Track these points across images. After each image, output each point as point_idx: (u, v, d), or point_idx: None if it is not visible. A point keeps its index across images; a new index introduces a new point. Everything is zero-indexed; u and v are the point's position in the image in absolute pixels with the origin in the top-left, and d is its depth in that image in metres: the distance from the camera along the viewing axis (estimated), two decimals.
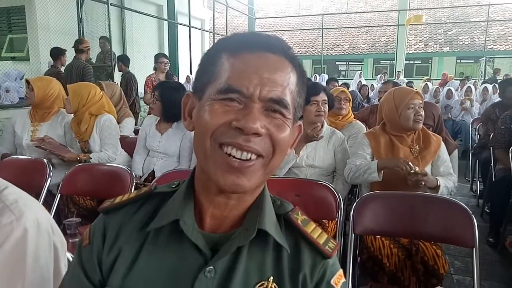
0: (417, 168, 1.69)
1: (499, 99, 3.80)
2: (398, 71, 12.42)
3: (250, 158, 0.51)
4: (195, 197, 0.58)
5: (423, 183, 1.67)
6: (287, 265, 0.57)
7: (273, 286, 0.55)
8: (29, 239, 0.67)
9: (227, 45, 0.55)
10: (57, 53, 4.52)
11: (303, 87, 0.57)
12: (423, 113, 1.85)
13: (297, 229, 0.59)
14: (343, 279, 0.59)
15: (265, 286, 0.55)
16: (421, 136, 1.89)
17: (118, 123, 3.00)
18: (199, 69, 0.58)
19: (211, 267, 0.53)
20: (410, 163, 1.70)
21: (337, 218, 1.62)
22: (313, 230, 0.59)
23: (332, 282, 0.57)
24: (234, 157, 0.50)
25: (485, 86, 5.88)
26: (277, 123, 0.52)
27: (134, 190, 1.79)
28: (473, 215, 1.38)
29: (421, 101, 1.86)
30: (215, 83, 0.52)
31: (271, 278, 0.55)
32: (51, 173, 2.00)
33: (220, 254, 0.54)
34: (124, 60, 5.28)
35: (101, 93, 2.47)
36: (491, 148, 3.00)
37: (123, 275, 0.55)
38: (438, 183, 1.74)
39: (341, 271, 0.60)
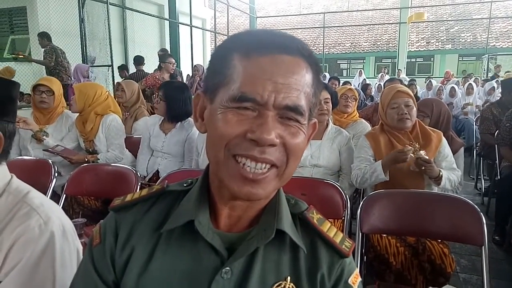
0: (425, 156, 1.68)
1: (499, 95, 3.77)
2: (399, 69, 12.34)
3: (264, 168, 0.50)
4: (209, 196, 0.58)
5: (424, 168, 1.67)
6: (304, 265, 0.56)
7: (290, 286, 0.54)
8: (56, 244, 0.68)
9: (239, 45, 0.52)
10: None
11: (319, 85, 0.55)
12: (412, 111, 1.81)
13: (314, 228, 0.58)
14: (360, 278, 0.59)
15: (282, 286, 0.54)
16: (419, 133, 1.86)
17: (135, 120, 3.01)
18: (209, 68, 0.56)
19: (228, 268, 0.53)
20: (422, 151, 1.69)
21: (344, 217, 1.61)
22: (329, 229, 0.59)
23: (349, 281, 0.57)
24: (248, 167, 0.50)
25: (493, 86, 5.90)
26: (292, 130, 0.51)
27: (139, 190, 1.80)
28: (481, 213, 1.36)
29: (407, 99, 1.81)
30: (227, 87, 0.50)
31: (289, 278, 0.55)
32: (56, 174, 1.99)
33: (237, 255, 0.53)
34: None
35: (106, 93, 2.47)
36: (496, 145, 2.98)
37: (137, 275, 0.55)
38: (440, 174, 1.72)
39: (357, 270, 0.59)
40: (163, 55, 5.05)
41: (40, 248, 0.65)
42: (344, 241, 0.58)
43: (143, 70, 5.88)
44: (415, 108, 1.84)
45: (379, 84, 8.14)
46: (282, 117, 0.50)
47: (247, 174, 0.49)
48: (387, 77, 10.55)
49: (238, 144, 0.49)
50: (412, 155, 1.69)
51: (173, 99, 2.29)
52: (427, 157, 1.69)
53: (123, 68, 6.62)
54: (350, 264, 0.59)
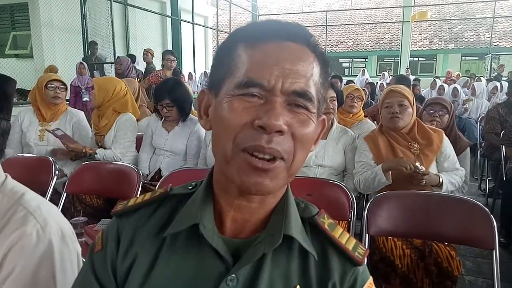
0: (422, 168, 1.65)
1: (505, 97, 3.78)
2: (407, 68, 12.16)
3: (272, 158, 0.48)
4: (214, 199, 0.55)
5: (424, 182, 1.65)
6: (315, 273, 0.53)
7: None
8: (55, 250, 0.65)
9: (244, 35, 0.50)
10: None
11: (326, 78, 0.53)
12: (406, 111, 1.77)
13: (325, 234, 0.55)
14: (374, 287, 0.56)
15: None
16: (416, 134, 1.82)
17: (137, 120, 2.98)
18: (214, 63, 0.54)
19: (233, 276, 0.50)
20: (417, 163, 1.66)
21: (350, 218, 1.58)
22: (341, 235, 0.56)
23: None
24: (256, 156, 0.47)
25: (495, 86, 5.89)
26: (301, 118, 0.49)
27: (141, 189, 1.77)
28: (492, 216, 1.33)
29: (400, 98, 1.78)
30: (233, 77, 0.48)
31: (298, 286, 0.52)
32: (57, 172, 1.97)
33: (243, 262, 0.50)
34: None
35: (125, 90, 2.43)
36: (502, 146, 2.96)
37: (139, 284, 0.52)
38: (441, 180, 1.69)
39: (371, 279, 0.56)
40: (163, 53, 5.05)
41: (38, 255, 0.63)
42: (357, 248, 0.55)
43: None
44: (410, 109, 1.79)
45: (381, 83, 8.10)
46: (291, 104, 0.48)
47: (256, 163, 0.47)
48: (387, 76, 10.50)
49: (246, 136, 0.47)
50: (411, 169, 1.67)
51: (181, 100, 2.25)
52: (423, 169, 1.66)
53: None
54: (364, 272, 0.56)
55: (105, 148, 2.37)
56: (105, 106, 2.34)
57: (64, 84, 2.37)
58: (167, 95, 2.22)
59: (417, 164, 1.65)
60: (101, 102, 2.32)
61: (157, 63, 6.00)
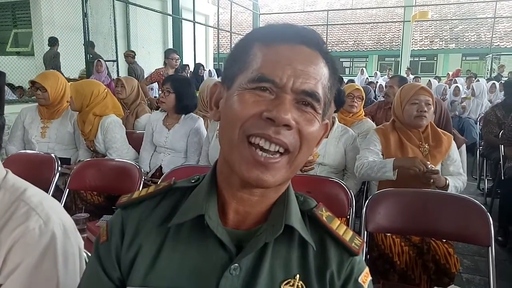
0: (433, 167, 1.66)
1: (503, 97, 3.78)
2: (408, 68, 12.10)
3: (278, 150, 0.50)
4: (218, 191, 0.57)
5: (432, 181, 1.65)
6: (314, 263, 0.55)
7: (299, 284, 0.54)
8: (57, 244, 0.66)
9: (261, 35, 0.54)
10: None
11: (334, 84, 0.56)
12: (431, 110, 1.80)
13: (323, 225, 0.57)
14: (370, 277, 0.58)
15: (291, 284, 0.54)
16: (430, 135, 1.84)
17: (136, 118, 2.96)
18: (229, 59, 0.56)
19: (236, 265, 0.52)
20: (427, 162, 1.67)
21: (349, 215, 1.60)
22: (338, 226, 0.58)
23: (359, 280, 0.56)
24: (261, 148, 0.49)
25: (493, 83, 5.90)
26: (307, 117, 0.51)
27: (143, 186, 1.79)
28: (488, 214, 1.35)
29: (428, 98, 1.80)
30: (246, 72, 0.51)
31: (298, 275, 0.54)
32: (59, 168, 1.98)
33: (246, 251, 0.52)
34: None
35: (105, 92, 2.40)
36: (501, 146, 2.97)
37: (144, 273, 0.54)
38: (447, 183, 1.71)
39: (367, 268, 0.59)
40: (166, 51, 5.04)
41: (41, 250, 0.64)
42: (353, 239, 0.58)
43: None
44: (432, 108, 1.82)
45: (380, 84, 8.08)
46: (299, 103, 0.51)
47: (258, 157, 0.49)
48: (379, 75, 10.50)
49: (253, 124, 0.49)
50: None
51: (182, 90, 2.26)
52: (433, 167, 1.67)
53: None
54: (360, 262, 0.58)
55: (97, 152, 2.39)
56: (85, 111, 2.29)
57: (43, 86, 2.28)
58: (170, 81, 2.28)
59: (428, 163, 1.66)
60: (80, 107, 2.28)
61: (156, 60, 6.01)
